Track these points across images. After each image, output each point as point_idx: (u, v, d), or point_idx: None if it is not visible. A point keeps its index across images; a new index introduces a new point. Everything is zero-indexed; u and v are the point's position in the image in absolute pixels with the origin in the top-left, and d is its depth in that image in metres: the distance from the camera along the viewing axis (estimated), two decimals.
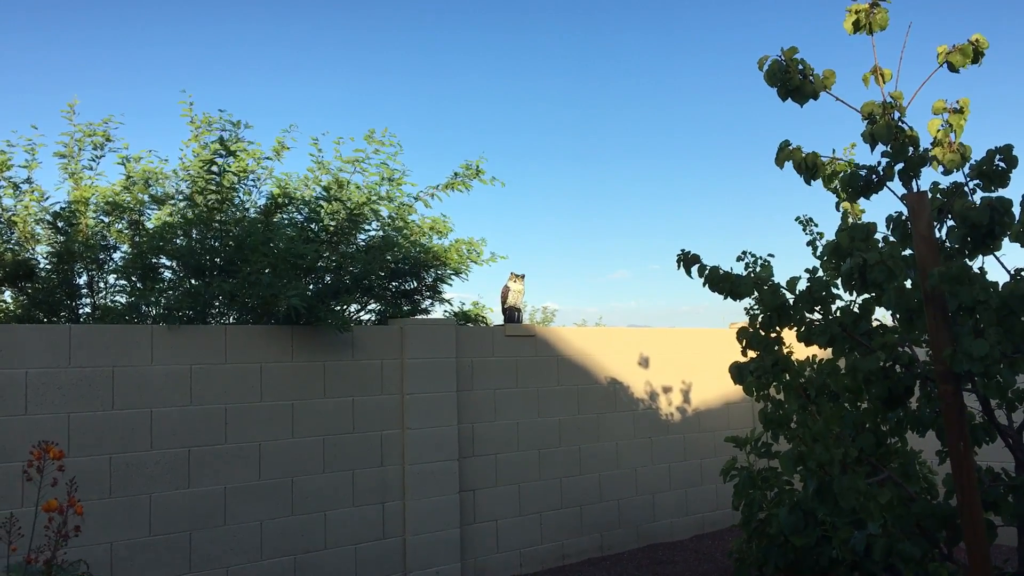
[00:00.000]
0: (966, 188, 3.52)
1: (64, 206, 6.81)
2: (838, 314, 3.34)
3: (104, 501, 5.23)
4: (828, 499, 2.86)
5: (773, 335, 3.49)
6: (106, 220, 6.87)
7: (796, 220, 4.48)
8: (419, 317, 7.45)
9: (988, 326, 2.94)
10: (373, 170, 7.55)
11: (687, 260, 3.64)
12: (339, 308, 6.56)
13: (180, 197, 6.93)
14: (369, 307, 7.64)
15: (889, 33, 3.47)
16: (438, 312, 7.98)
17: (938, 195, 3.55)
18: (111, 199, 6.85)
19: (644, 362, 8.29)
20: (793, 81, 3.36)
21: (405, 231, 7.65)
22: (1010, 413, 3.55)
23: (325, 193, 7.23)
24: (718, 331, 9.15)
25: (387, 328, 6.62)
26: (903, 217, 3.48)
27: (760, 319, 3.44)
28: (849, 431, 3.22)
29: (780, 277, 3.61)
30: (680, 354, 8.62)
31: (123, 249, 6.93)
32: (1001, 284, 3.15)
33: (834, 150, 3.63)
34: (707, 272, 3.60)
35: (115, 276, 6.89)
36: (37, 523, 3.71)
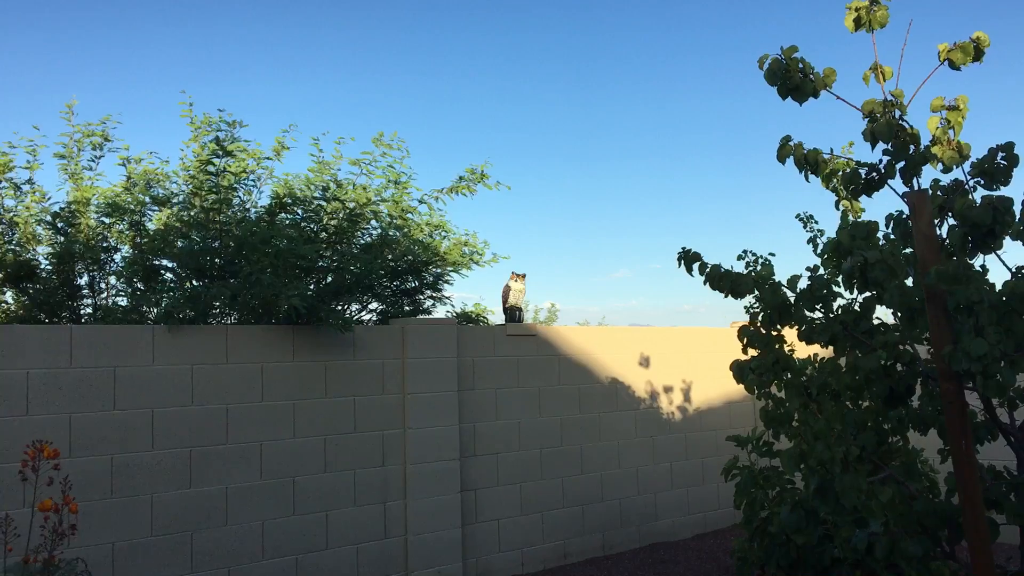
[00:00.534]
0: (967, 186, 3.51)
1: (63, 206, 6.81)
2: (839, 313, 3.33)
3: (105, 501, 5.22)
4: (829, 497, 2.86)
5: (774, 333, 3.48)
6: (107, 221, 6.87)
7: (796, 217, 4.47)
8: (420, 317, 7.45)
9: (988, 325, 2.93)
10: (379, 173, 7.55)
11: (688, 258, 3.64)
12: (340, 308, 6.56)
13: (180, 198, 6.92)
14: (370, 307, 7.63)
15: (889, 31, 3.46)
16: (439, 312, 7.98)
17: (939, 193, 3.55)
18: (111, 200, 6.84)
19: (645, 361, 8.29)
20: (793, 80, 3.36)
21: (405, 230, 7.64)
22: (1012, 411, 3.55)
23: (324, 193, 7.22)
24: (720, 330, 9.14)
25: (388, 328, 6.61)
26: (904, 216, 3.47)
27: (761, 318, 3.44)
28: (851, 430, 3.21)
29: (781, 275, 3.61)
30: (681, 353, 8.61)
31: (124, 250, 6.92)
32: (1002, 283, 3.15)
33: (832, 149, 3.62)
34: (707, 270, 3.59)
35: (116, 277, 6.89)
36: (34, 523, 3.70)
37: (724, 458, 8.29)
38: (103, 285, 7.01)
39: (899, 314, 3.30)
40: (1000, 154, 3.39)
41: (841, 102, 3.50)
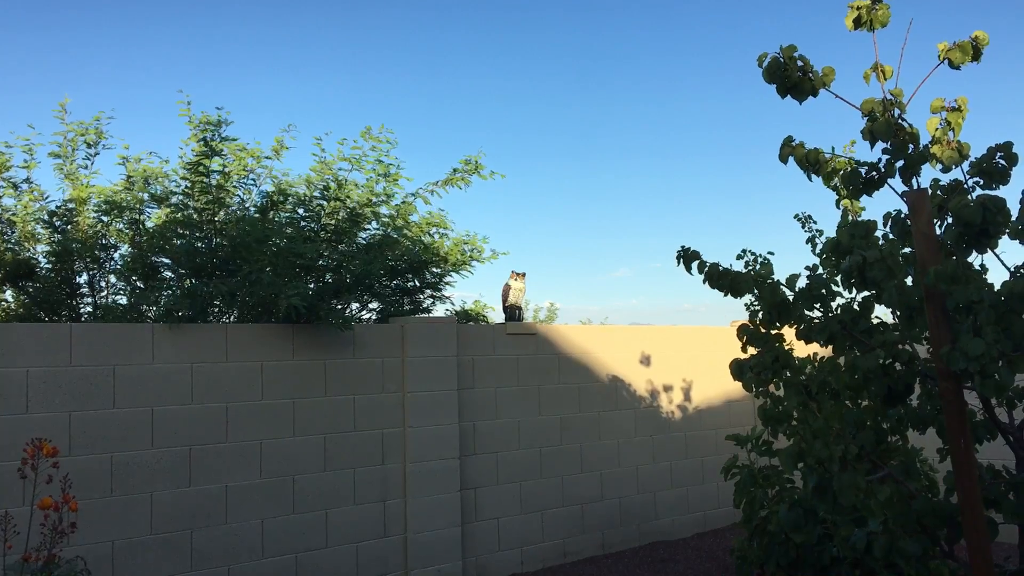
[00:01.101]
0: (966, 186, 3.51)
1: (59, 205, 6.81)
2: (838, 312, 3.33)
3: (105, 499, 5.23)
4: (828, 496, 2.86)
5: (773, 332, 3.48)
6: (105, 219, 6.87)
7: (795, 217, 4.47)
8: (420, 316, 7.45)
9: (986, 325, 2.93)
10: (369, 167, 7.54)
11: (687, 256, 3.64)
12: (340, 307, 6.56)
13: (177, 197, 6.93)
14: (370, 306, 7.64)
15: (890, 30, 3.46)
16: (439, 310, 7.99)
17: (939, 192, 3.55)
18: (109, 198, 6.85)
19: (645, 360, 8.29)
20: (792, 78, 3.36)
21: (405, 230, 7.64)
22: (1011, 411, 3.55)
23: (324, 192, 7.23)
24: (719, 329, 9.14)
25: (388, 327, 6.62)
26: (903, 215, 3.47)
27: (760, 316, 3.44)
28: (850, 428, 3.21)
29: (780, 275, 3.61)
30: (681, 352, 8.62)
31: (123, 249, 6.93)
32: (999, 282, 3.15)
33: (833, 148, 3.63)
34: (707, 269, 3.59)
35: (116, 276, 6.90)
36: (33, 521, 3.70)
37: (724, 457, 8.29)
38: (103, 284, 7.02)
39: (898, 313, 3.31)
40: (999, 154, 3.39)
41: (841, 101, 3.51)
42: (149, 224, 6.97)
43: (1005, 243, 3.41)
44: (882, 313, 3.74)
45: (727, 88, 26.67)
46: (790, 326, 3.47)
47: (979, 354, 2.78)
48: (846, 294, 3.40)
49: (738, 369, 3.50)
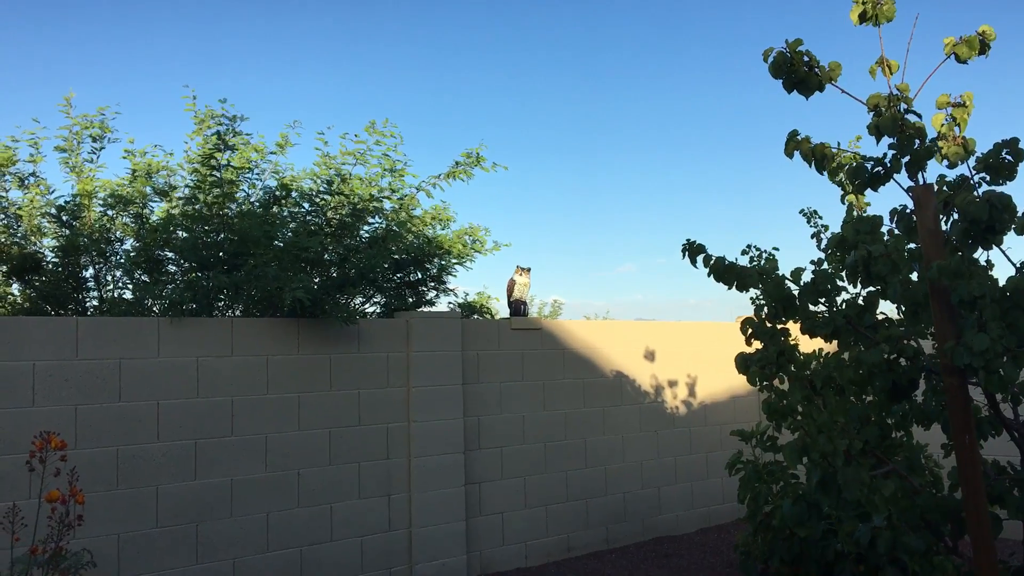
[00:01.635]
0: (972, 181, 3.50)
1: (68, 199, 6.82)
2: (843, 307, 3.33)
3: (111, 493, 5.24)
4: (832, 490, 2.86)
5: (778, 327, 3.48)
6: (111, 213, 6.88)
7: (800, 212, 4.46)
8: (425, 310, 7.45)
9: (991, 320, 2.93)
10: (375, 162, 7.54)
11: (692, 250, 3.63)
12: (344, 301, 6.56)
13: (184, 191, 6.93)
14: (374, 299, 7.64)
15: (896, 25, 3.46)
16: (443, 303, 7.99)
17: (944, 188, 3.54)
18: (115, 192, 6.86)
19: (650, 355, 8.29)
20: (798, 73, 3.35)
21: (409, 224, 7.64)
22: (1016, 406, 3.54)
23: (328, 187, 7.23)
24: (724, 325, 9.14)
25: (393, 321, 6.62)
26: (908, 210, 3.47)
27: (765, 311, 3.44)
28: (854, 423, 3.21)
29: (784, 271, 3.60)
30: (686, 348, 8.62)
31: (128, 243, 6.94)
32: (1005, 278, 3.14)
33: (839, 143, 3.62)
34: (712, 263, 3.59)
35: (121, 270, 6.91)
36: (41, 513, 3.72)
37: (728, 453, 8.29)
38: (108, 278, 7.03)
39: (903, 309, 3.30)
40: (1005, 150, 3.39)
41: (846, 97, 3.50)
42: (154, 218, 6.98)
43: (1011, 239, 3.40)
44: (887, 309, 3.74)
45: (732, 84, 26.63)
46: (795, 321, 3.47)
47: (984, 349, 2.78)
48: (851, 289, 3.40)
49: (743, 363, 3.50)
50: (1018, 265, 3.39)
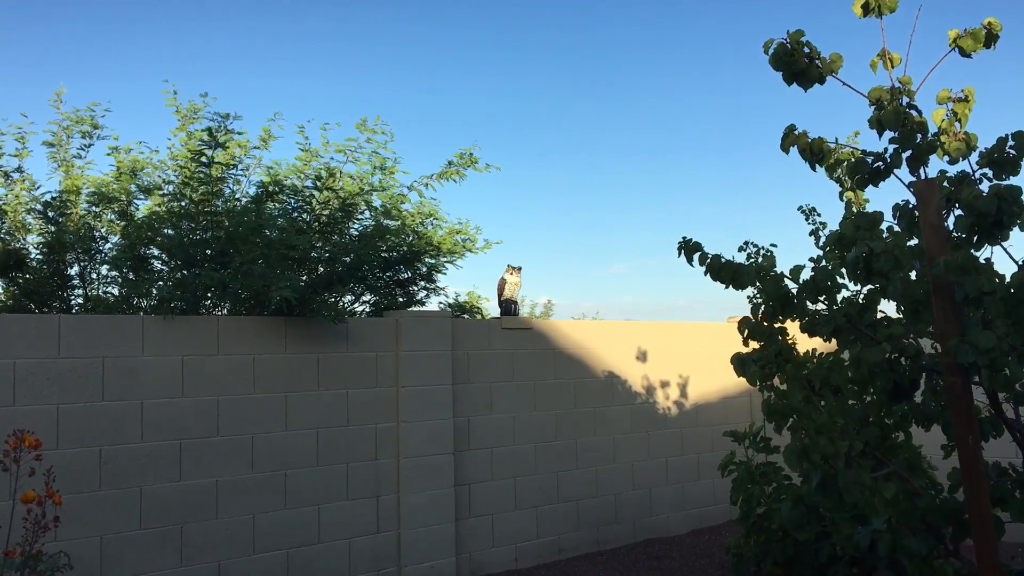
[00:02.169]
0: (973, 177, 3.44)
1: (55, 195, 6.71)
2: (843, 305, 3.26)
3: (93, 493, 5.14)
4: (832, 493, 2.79)
5: (776, 326, 3.41)
6: (96, 210, 6.78)
7: (798, 209, 4.39)
8: (415, 309, 7.37)
9: (996, 317, 2.86)
10: (365, 159, 7.45)
11: (688, 248, 3.56)
12: (333, 299, 6.48)
13: (169, 188, 6.83)
14: (363, 298, 7.56)
15: (898, 17, 3.39)
16: (433, 302, 7.91)
17: (945, 184, 3.48)
18: (100, 189, 6.76)
19: (642, 356, 8.22)
20: (799, 64, 3.28)
21: (398, 219, 7.55)
22: (1018, 407, 3.48)
23: (316, 182, 7.13)
24: (716, 325, 9.08)
25: (382, 320, 6.54)
26: (910, 205, 3.40)
27: (762, 310, 3.36)
28: (853, 424, 3.14)
29: (781, 270, 3.53)
30: (677, 348, 8.55)
31: (114, 240, 6.83)
32: (1009, 275, 3.08)
33: (837, 139, 3.55)
34: (708, 261, 3.51)
35: (107, 267, 6.80)
36: (16, 515, 3.61)
37: (720, 453, 8.23)
38: (94, 275, 6.92)
39: (902, 307, 3.23)
40: (1010, 143, 3.32)
41: (846, 91, 3.43)
42: (139, 215, 6.88)
43: (1013, 236, 3.33)
44: (886, 308, 3.67)
45: (725, 85, 26.60)
46: (792, 320, 3.40)
47: (990, 347, 2.71)
48: (851, 287, 3.33)
49: (740, 363, 3.43)
50: (1021, 262, 3.32)
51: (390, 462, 6.38)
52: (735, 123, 27.76)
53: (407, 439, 6.41)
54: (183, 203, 6.54)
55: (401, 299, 7.59)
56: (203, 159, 6.40)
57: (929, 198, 2.95)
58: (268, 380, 5.87)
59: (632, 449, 8.00)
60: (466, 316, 7.97)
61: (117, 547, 5.19)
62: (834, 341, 3.44)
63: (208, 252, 6.33)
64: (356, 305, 7.53)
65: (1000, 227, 3.07)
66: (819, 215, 4.32)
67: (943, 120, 3.38)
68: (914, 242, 3.38)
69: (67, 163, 6.95)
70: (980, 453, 2.99)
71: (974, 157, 3.41)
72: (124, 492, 5.25)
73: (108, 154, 7.07)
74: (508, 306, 7.48)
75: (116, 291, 6.64)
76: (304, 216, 7.03)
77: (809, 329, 3.26)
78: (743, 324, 3.41)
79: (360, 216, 7.37)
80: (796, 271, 3.31)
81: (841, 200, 4.24)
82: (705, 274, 3.51)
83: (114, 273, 6.68)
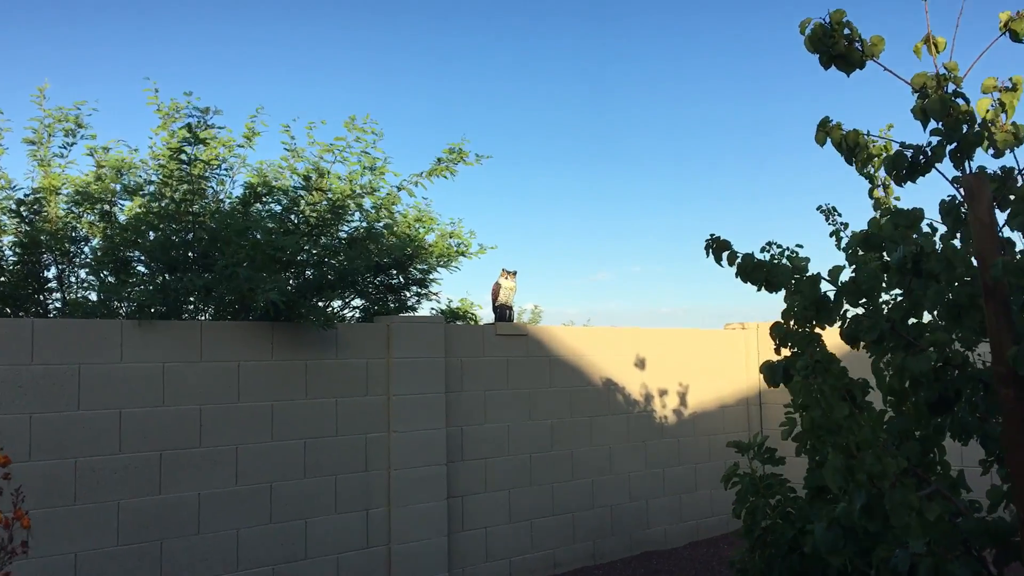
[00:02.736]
0: (1017, 172, 3.22)
1: (28, 193, 6.42)
2: (886, 309, 3.02)
3: (69, 508, 4.87)
4: (878, 515, 2.56)
5: (809, 331, 3.17)
6: (76, 211, 6.50)
7: (818, 209, 4.17)
8: (406, 315, 7.14)
9: None
10: (354, 159, 7.19)
11: (717, 246, 3.31)
12: (322, 304, 6.22)
13: (150, 188, 6.55)
14: (353, 303, 7.30)
15: (943, 5, 3.17)
16: (425, 309, 7.67)
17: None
18: (81, 188, 6.49)
19: (639, 363, 7.99)
20: (838, 47, 3.05)
21: (390, 222, 7.30)
22: None
23: (304, 183, 6.87)
24: (714, 332, 8.87)
25: (373, 326, 6.29)
26: (957, 202, 3.18)
27: (794, 313, 3.13)
28: (893, 439, 2.91)
29: (818, 270, 3.28)
30: (675, 355, 8.32)
31: (95, 242, 6.56)
32: None
33: (868, 131, 3.32)
34: (739, 260, 3.27)
35: (86, 270, 6.52)
36: None
37: (717, 463, 8.05)
38: (73, 279, 6.64)
39: (939, 312, 3.00)
40: None
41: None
42: (122, 217, 6.61)
43: None
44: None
45: (717, 92, 26.53)
46: (826, 326, 3.16)
47: None
48: (890, 291, 3.09)
49: (771, 371, 3.18)
50: None
51: (380, 474, 6.13)
52: (726, 131, 27.69)
53: (398, 450, 6.16)
54: (163, 203, 6.27)
55: (392, 305, 7.34)
56: (183, 156, 6.13)
57: (980, 193, 2.72)
58: (253, 388, 5.60)
59: (629, 459, 7.76)
60: (459, 322, 7.72)
61: (93, 564, 4.92)
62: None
63: (191, 255, 6.07)
64: (346, 311, 7.28)
65: None
66: (839, 215, 4.11)
67: (988, 111, 3.16)
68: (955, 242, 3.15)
69: (46, 162, 6.67)
70: None
71: (1022, 151, 3.18)
72: (101, 506, 4.98)
73: (86, 154, 6.81)
74: (503, 312, 7.24)
75: (95, 295, 6.36)
76: (292, 217, 6.77)
77: (850, 335, 3.03)
78: (775, 330, 3.17)
79: (350, 218, 7.11)
80: (836, 272, 3.07)
81: (870, 198, 4.02)
82: (737, 276, 3.27)
83: (92, 277, 6.40)
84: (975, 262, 2.81)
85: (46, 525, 4.72)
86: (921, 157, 3.08)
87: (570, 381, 7.40)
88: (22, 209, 6.35)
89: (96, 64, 19.44)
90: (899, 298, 3.02)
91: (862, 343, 3.07)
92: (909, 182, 3.11)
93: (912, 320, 3.03)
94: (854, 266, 3.06)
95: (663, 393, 8.16)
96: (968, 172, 3.03)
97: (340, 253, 6.54)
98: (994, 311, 2.67)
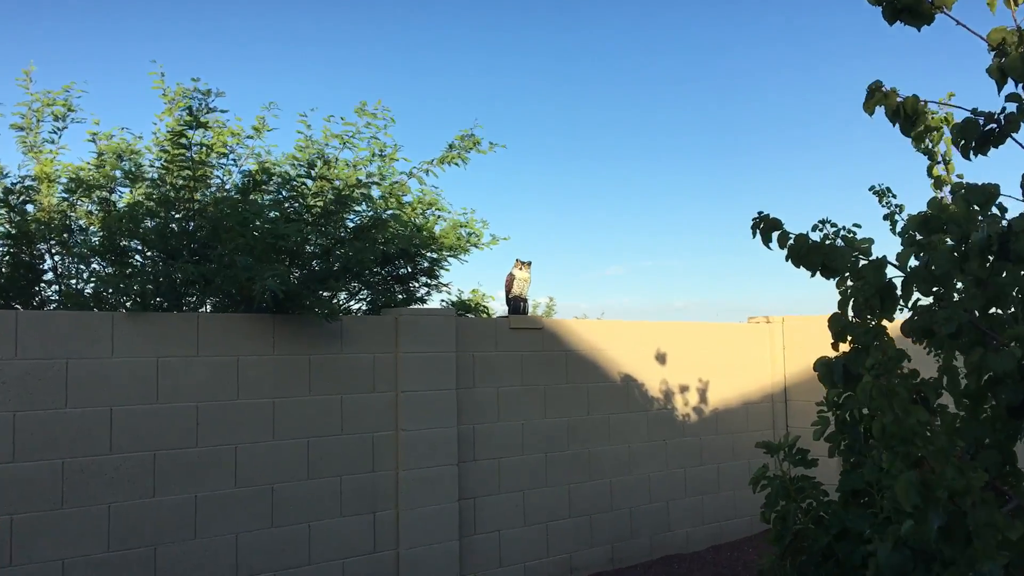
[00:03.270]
0: None
1: (16, 180, 6.12)
2: (961, 299, 2.68)
3: (55, 512, 4.58)
4: (959, 537, 2.22)
5: (872, 324, 2.82)
6: (71, 199, 6.21)
7: (871, 190, 3.81)
8: (415, 307, 6.83)
9: None
10: (363, 145, 6.89)
11: (767, 225, 2.95)
12: (327, 296, 5.91)
13: (151, 175, 6.26)
14: (359, 295, 6.99)
15: None
16: (435, 300, 7.35)
17: None
18: (77, 175, 6.19)
19: (659, 358, 7.65)
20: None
21: (398, 212, 6.99)
22: None
23: (308, 170, 6.56)
24: (737, 326, 8.53)
25: (380, 318, 5.97)
26: None
27: (852, 303, 2.78)
28: (968, 448, 2.58)
29: (884, 254, 2.93)
30: (695, 350, 7.97)
31: (92, 231, 6.26)
32: None
33: (926, 101, 2.98)
34: (790, 242, 2.92)
35: (82, 261, 6.22)
36: None
37: (740, 463, 7.71)
38: (72, 270, 6.34)
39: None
40: None
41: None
42: (121, 205, 6.32)
43: None
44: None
45: (716, 90, 26.17)
46: (892, 318, 2.81)
47: None
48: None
49: (827, 370, 2.84)
50: None
51: (388, 474, 5.82)
52: (725, 130, 27.34)
53: (407, 449, 5.85)
54: (163, 189, 5.97)
55: (400, 296, 7.03)
56: (183, 141, 5.82)
57: None
58: (254, 384, 5.30)
59: (648, 459, 7.42)
60: (470, 315, 7.40)
61: (82, 571, 4.64)
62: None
63: (192, 244, 5.77)
64: (352, 303, 6.97)
65: None
66: (894, 196, 3.75)
67: None
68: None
69: (37, 148, 6.38)
70: None
71: None
72: (90, 510, 4.69)
73: (88, 140, 6.53)
74: (517, 304, 6.90)
75: (92, 287, 6.07)
76: (295, 205, 6.46)
77: (922, 328, 2.69)
78: (834, 321, 2.83)
79: (357, 208, 6.81)
80: (904, 256, 2.72)
81: (930, 176, 3.67)
82: (787, 259, 2.92)
83: (83, 267, 6.11)
84: None
85: (31, 530, 4.46)
86: (993, 126, 2.72)
87: (587, 377, 7.07)
88: (11, 198, 6.06)
89: (109, 56, 19.17)
90: (971, 288, 2.67)
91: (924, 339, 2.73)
92: (980, 155, 2.76)
93: (994, 310, 2.68)
94: (921, 251, 2.70)
95: (684, 389, 7.82)
96: None
97: (346, 243, 6.23)
98: None
